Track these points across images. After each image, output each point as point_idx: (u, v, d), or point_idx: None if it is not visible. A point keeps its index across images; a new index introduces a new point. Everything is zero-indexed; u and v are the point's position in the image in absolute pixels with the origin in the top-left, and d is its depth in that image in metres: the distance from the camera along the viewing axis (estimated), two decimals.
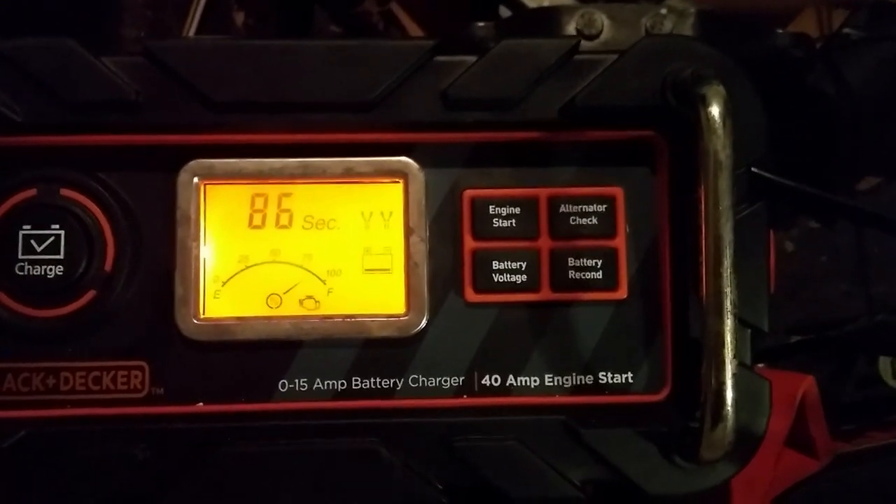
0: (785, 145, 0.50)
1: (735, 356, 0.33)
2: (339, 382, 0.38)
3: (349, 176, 0.38)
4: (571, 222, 0.39)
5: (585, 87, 0.37)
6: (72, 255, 0.37)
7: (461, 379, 0.39)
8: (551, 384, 0.39)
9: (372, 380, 0.38)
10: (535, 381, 0.39)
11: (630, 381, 0.39)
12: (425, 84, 0.37)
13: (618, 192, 0.39)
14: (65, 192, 0.38)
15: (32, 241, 0.37)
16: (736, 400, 0.34)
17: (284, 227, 0.39)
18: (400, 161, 0.39)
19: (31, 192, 0.37)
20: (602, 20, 0.50)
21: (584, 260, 0.39)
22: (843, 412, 0.54)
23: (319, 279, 0.39)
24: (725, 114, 0.34)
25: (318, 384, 0.38)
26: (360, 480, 0.37)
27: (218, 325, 0.38)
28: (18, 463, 0.36)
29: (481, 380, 0.39)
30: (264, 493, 0.37)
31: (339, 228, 0.39)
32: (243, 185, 0.38)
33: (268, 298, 0.38)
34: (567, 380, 0.39)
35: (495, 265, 0.39)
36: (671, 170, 0.39)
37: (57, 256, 0.37)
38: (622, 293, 0.39)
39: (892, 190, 0.63)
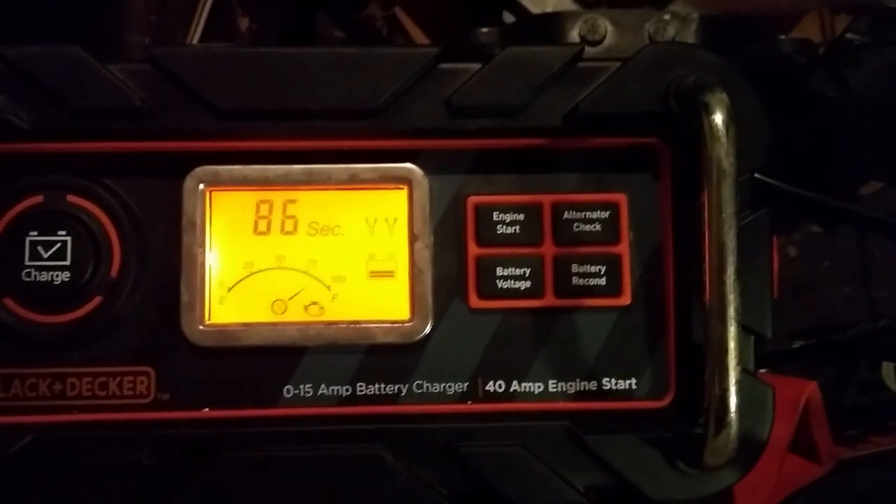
0: (787, 150, 0.50)
1: (738, 363, 0.34)
2: (344, 388, 0.38)
3: (354, 182, 0.39)
4: (575, 229, 0.39)
5: (589, 94, 0.37)
6: (78, 261, 0.37)
7: (465, 385, 0.39)
8: (555, 390, 0.39)
9: (376, 386, 0.39)
10: (538, 387, 0.39)
11: (633, 387, 0.39)
12: (429, 91, 0.37)
13: (621, 198, 0.39)
14: (71, 198, 0.38)
15: (39, 248, 0.37)
16: (739, 406, 0.34)
17: (289, 233, 0.39)
18: (404, 168, 0.39)
19: (38, 198, 0.38)
20: (605, 26, 0.51)
21: (588, 266, 0.39)
22: (846, 417, 0.54)
23: (324, 285, 0.39)
24: (728, 121, 0.34)
25: (322, 390, 0.38)
26: (365, 486, 0.37)
27: (223, 330, 0.38)
28: (25, 468, 0.36)
29: (485, 386, 0.39)
30: (269, 498, 0.37)
31: (344, 235, 0.39)
32: (248, 191, 0.39)
33: (273, 304, 0.39)
34: (571, 386, 0.39)
35: (499, 271, 0.39)
36: (674, 176, 0.39)
37: (63, 263, 0.37)
38: (626, 299, 0.39)
39: (895, 195, 0.63)
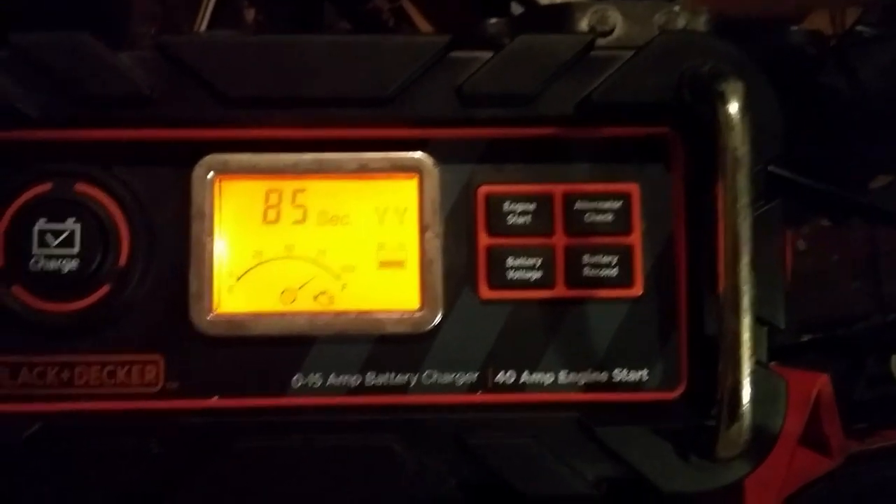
0: (796, 143, 0.49)
1: (753, 353, 0.33)
2: (353, 378, 0.38)
3: (364, 171, 0.38)
4: (586, 219, 0.39)
5: (602, 83, 0.37)
6: (87, 249, 0.37)
7: (475, 375, 0.38)
8: (565, 381, 0.39)
9: (386, 375, 0.38)
10: (549, 378, 0.39)
11: (644, 378, 0.39)
12: (440, 80, 0.37)
13: (633, 188, 0.39)
14: (80, 186, 0.38)
15: (47, 236, 0.37)
16: (753, 398, 0.34)
17: (299, 222, 0.39)
18: (415, 157, 0.38)
19: (46, 186, 0.37)
20: (615, 17, 0.50)
21: (599, 257, 0.38)
22: (855, 411, 0.54)
23: (333, 275, 0.39)
24: (744, 110, 0.34)
25: (332, 379, 0.38)
26: (374, 476, 0.37)
27: (232, 320, 0.38)
28: (33, 455, 0.36)
29: (495, 376, 0.39)
30: (277, 487, 0.37)
31: (354, 224, 0.39)
32: (258, 180, 0.38)
33: (282, 294, 0.38)
34: (581, 377, 0.39)
35: (510, 262, 0.38)
36: (687, 167, 0.39)
37: (72, 251, 0.37)
38: (637, 290, 0.39)
39: None
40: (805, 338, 0.58)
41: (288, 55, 0.37)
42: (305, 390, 0.38)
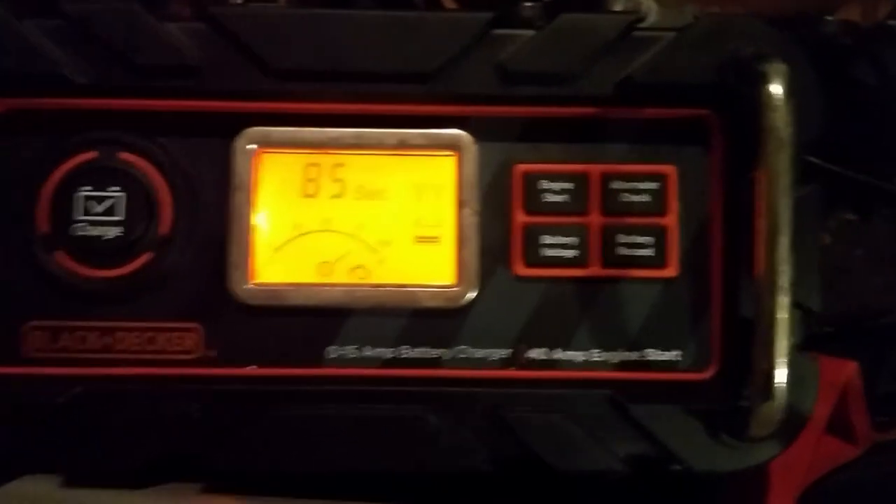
0: (828, 134, 0.49)
1: (790, 333, 0.34)
2: (388, 351, 0.39)
3: (403, 147, 0.39)
4: (623, 199, 0.39)
5: (643, 63, 0.37)
6: (129, 217, 0.38)
7: (509, 351, 0.39)
8: (598, 359, 0.39)
9: (420, 349, 0.39)
10: (582, 355, 0.39)
11: (677, 358, 0.39)
12: (482, 56, 0.37)
13: (670, 170, 0.39)
14: (124, 154, 0.38)
15: (91, 203, 0.38)
16: (788, 379, 0.34)
17: (337, 196, 0.39)
18: (454, 134, 0.39)
19: (92, 154, 0.38)
20: (649, 4, 0.50)
21: (635, 237, 0.39)
22: (878, 404, 0.54)
23: (370, 249, 0.39)
24: (787, 91, 0.34)
25: (367, 351, 0.39)
26: (406, 447, 0.37)
27: (270, 290, 0.38)
28: (72, 418, 0.37)
29: (528, 353, 0.39)
30: (311, 455, 0.37)
31: (391, 199, 0.39)
32: (298, 153, 0.39)
33: (319, 266, 0.39)
34: (614, 355, 0.39)
35: (545, 240, 0.39)
36: (725, 149, 0.39)
37: (115, 218, 0.38)
38: (672, 271, 0.39)
39: None
40: (828, 330, 0.58)
41: (334, 29, 0.37)
42: (341, 361, 0.39)
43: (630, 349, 0.39)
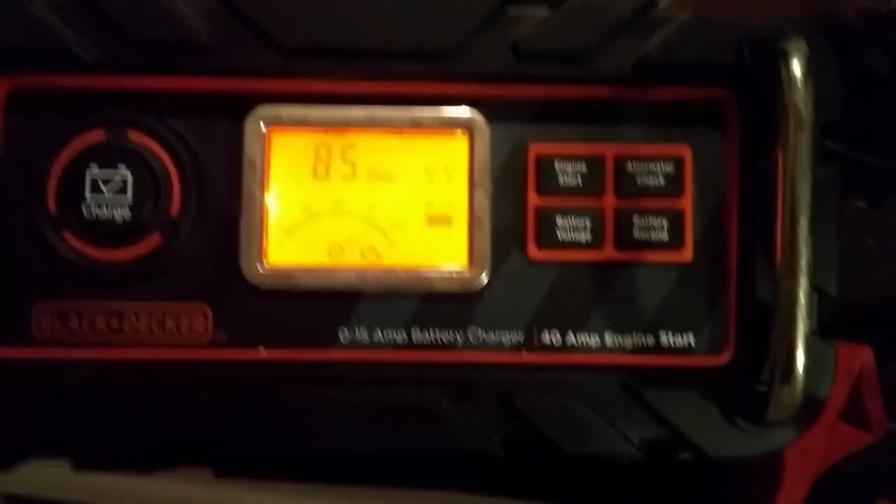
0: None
1: (808, 316, 0.33)
2: (400, 334, 0.38)
3: (415, 127, 0.38)
4: (638, 181, 0.38)
5: (660, 43, 0.37)
6: (138, 198, 0.37)
7: (522, 335, 0.38)
8: (612, 343, 0.38)
9: (432, 333, 0.38)
10: (595, 339, 0.38)
11: (692, 343, 0.38)
12: (497, 35, 0.37)
13: (686, 151, 0.38)
14: (133, 134, 0.38)
15: (100, 183, 0.37)
16: (807, 361, 0.33)
17: (348, 178, 0.39)
18: (467, 114, 0.38)
19: (100, 133, 0.37)
20: None
21: (650, 219, 0.38)
22: (889, 393, 0.54)
23: (381, 231, 0.38)
24: (807, 69, 0.33)
25: (378, 335, 0.38)
26: (418, 431, 0.37)
27: (281, 272, 0.38)
28: (82, 402, 0.36)
29: (541, 337, 0.38)
30: (322, 440, 0.37)
31: (403, 181, 0.39)
32: (308, 134, 0.38)
33: (330, 248, 0.38)
34: (628, 340, 0.38)
35: (559, 222, 0.38)
36: (742, 130, 0.38)
37: (124, 199, 0.37)
38: (687, 254, 0.38)
39: None
40: (838, 319, 0.58)
41: (345, 6, 0.37)
42: (352, 345, 0.38)
43: (644, 333, 0.38)
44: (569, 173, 0.38)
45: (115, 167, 0.37)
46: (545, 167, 0.38)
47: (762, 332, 0.35)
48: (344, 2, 0.37)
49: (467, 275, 0.38)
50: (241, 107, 0.38)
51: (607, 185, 0.38)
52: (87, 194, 0.37)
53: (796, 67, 0.33)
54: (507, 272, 0.38)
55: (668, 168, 0.38)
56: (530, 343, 0.38)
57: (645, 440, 0.37)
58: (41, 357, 0.37)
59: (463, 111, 0.38)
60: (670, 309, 0.38)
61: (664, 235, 0.38)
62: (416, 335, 0.38)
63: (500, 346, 0.38)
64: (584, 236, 0.38)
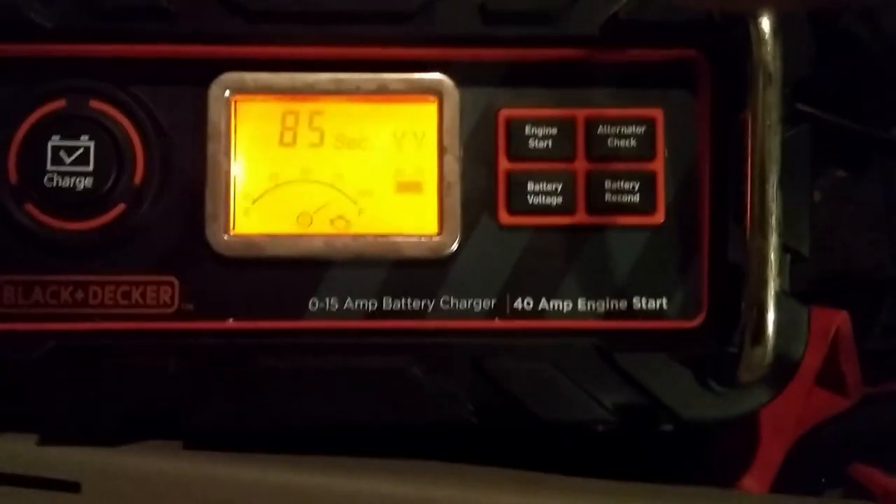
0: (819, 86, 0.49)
1: (779, 274, 0.33)
2: (370, 302, 0.38)
3: (383, 93, 0.38)
4: (609, 144, 0.38)
5: (630, 0, 0.36)
6: (101, 167, 0.37)
7: (493, 301, 0.38)
8: (584, 309, 0.38)
9: (403, 300, 0.38)
10: (568, 304, 0.38)
11: (665, 306, 0.38)
12: None
13: (657, 113, 0.38)
14: (94, 103, 0.37)
15: (61, 153, 0.36)
16: (777, 320, 0.33)
17: (315, 145, 0.38)
18: (435, 78, 0.38)
19: (61, 102, 0.37)
20: None
21: (621, 183, 0.38)
22: (869, 360, 0.54)
23: (350, 199, 0.38)
24: (776, 25, 0.33)
25: (348, 303, 0.38)
26: (391, 399, 0.36)
27: (248, 241, 0.37)
28: (47, 374, 0.36)
29: (514, 303, 0.38)
30: (293, 409, 0.36)
31: (371, 148, 0.38)
32: (275, 101, 0.38)
33: (298, 217, 0.38)
34: (601, 304, 0.38)
35: (530, 187, 0.38)
36: (713, 92, 0.38)
37: (86, 168, 0.36)
38: (659, 217, 0.38)
39: None
40: (818, 287, 0.57)
41: None
42: (322, 314, 0.38)
43: (617, 297, 0.38)
44: (539, 137, 0.38)
45: (77, 137, 0.37)
46: (515, 131, 0.38)
47: (734, 294, 0.35)
48: None
49: (438, 241, 0.38)
50: (206, 73, 0.37)
51: (578, 148, 0.38)
52: (49, 165, 0.36)
53: (765, 23, 0.33)
54: (479, 238, 0.38)
55: (640, 130, 0.38)
56: (502, 309, 0.38)
57: (618, 404, 0.37)
58: (4, 330, 0.37)
59: (431, 75, 0.38)
60: (643, 272, 0.38)
61: (636, 199, 0.38)
62: (387, 303, 0.38)
63: (471, 313, 0.38)
64: (556, 201, 0.38)
